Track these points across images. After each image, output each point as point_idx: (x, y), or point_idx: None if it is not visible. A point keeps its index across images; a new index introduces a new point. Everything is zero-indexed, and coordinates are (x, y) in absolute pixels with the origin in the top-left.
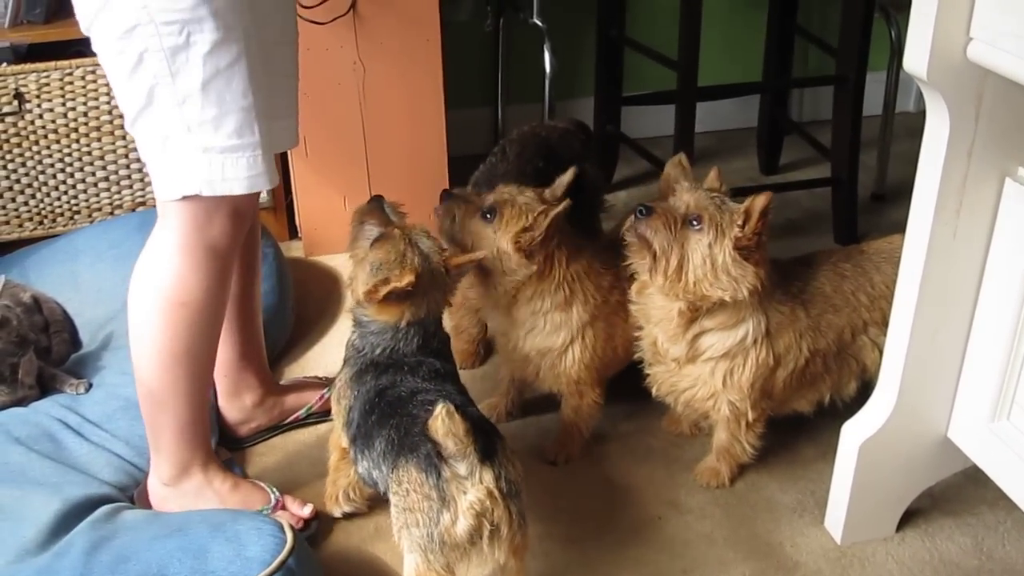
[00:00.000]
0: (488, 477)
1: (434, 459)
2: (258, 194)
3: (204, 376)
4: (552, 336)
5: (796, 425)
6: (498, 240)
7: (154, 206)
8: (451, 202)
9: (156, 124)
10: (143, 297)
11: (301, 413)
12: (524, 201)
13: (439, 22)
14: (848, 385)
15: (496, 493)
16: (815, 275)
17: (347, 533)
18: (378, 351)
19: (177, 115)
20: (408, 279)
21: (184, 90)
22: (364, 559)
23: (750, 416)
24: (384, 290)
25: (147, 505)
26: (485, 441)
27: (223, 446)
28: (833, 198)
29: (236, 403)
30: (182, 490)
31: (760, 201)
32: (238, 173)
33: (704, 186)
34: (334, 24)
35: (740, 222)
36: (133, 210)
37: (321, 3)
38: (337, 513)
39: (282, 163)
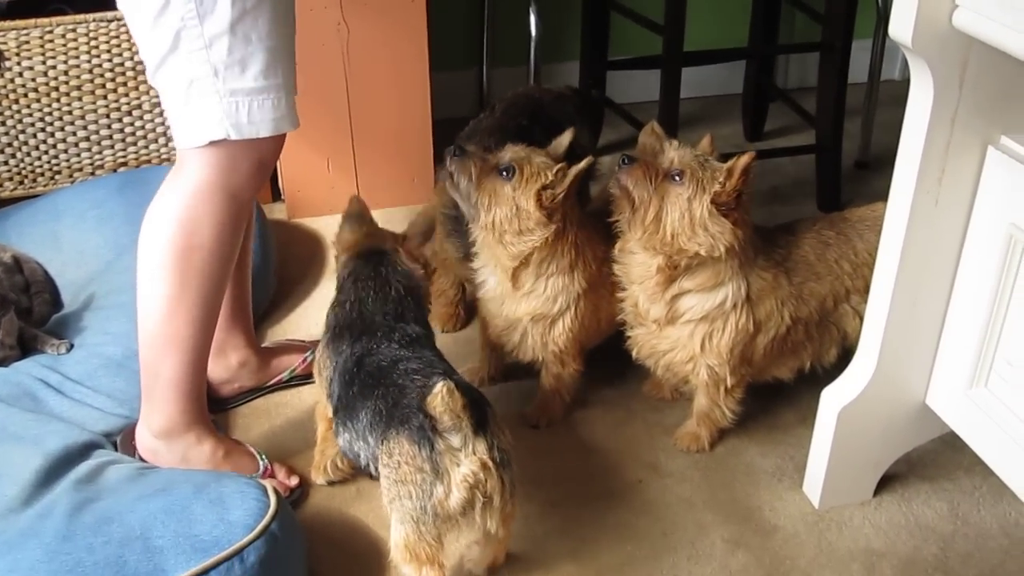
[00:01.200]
0: (481, 448)
1: (427, 431)
2: (282, 142)
3: (207, 327)
4: (549, 303)
5: (776, 391)
6: (518, 198)
7: (135, 167)
8: (465, 158)
9: (181, 69)
10: (156, 239)
11: (284, 375)
12: (541, 160)
13: None
14: (829, 352)
15: (489, 464)
16: (798, 242)
17: (329, 495)
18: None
19: (204, 58)
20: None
21: (212, 32)
22: (346, 521)
23: (729, 381)
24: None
25: (130, 451)
26: (476, 412)
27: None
28: (817, 165)
29: (222, 362)
30: (172, 446)
31: (744, 159)
32: (264, 116)
33: (696, 151)
34: None
35: (721, 179)
36: (115, 170)
37: None
38: (321, 481)
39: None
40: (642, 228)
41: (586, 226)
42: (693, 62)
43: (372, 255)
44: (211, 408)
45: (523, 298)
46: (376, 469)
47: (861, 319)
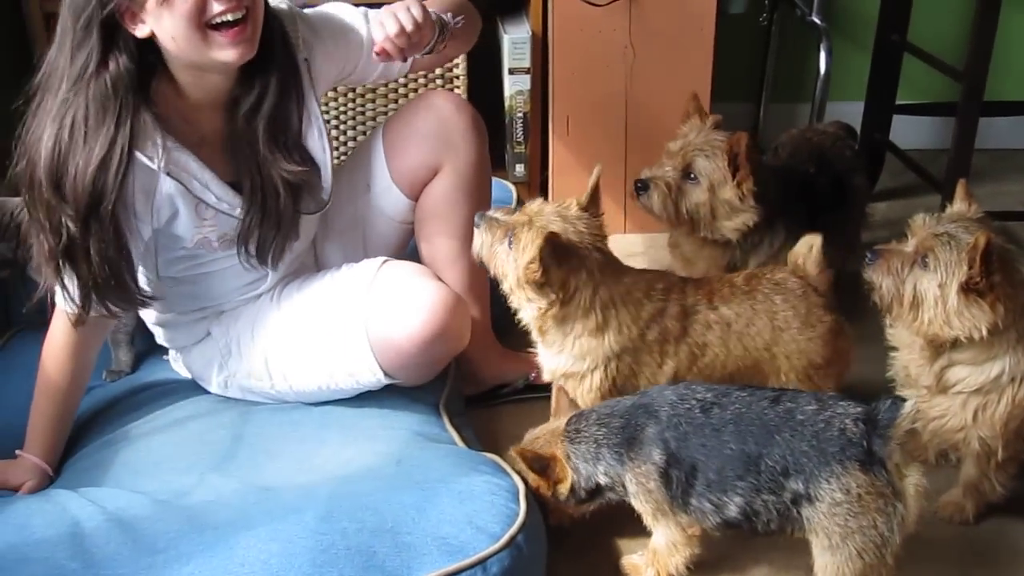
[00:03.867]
0: (901, 455)
1: (875, 456)
2: None
3: None
4: (578, 362)
5: None
6: (517, 268)
7: None
8: (485, 223)
9: None
10: None
11: (519, 383)
12: (538, 227)
13: (715, 12)
14: None
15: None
16: None
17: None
18: None
19: None
20: None
21: None
22: (583, 533)
23: (1001, 455)
24: None
25: None
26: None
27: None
28: None
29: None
30: None
31: (979, 242)
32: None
33: (953, 208)
34: (610, 8)
35: (966, 264)
36: None
37: None
38: None
39: (541, 138)
40: (901, 320)
41: (623, 286)
42: (994, 112)
43: None
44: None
45: (554, 356)
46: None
47: None
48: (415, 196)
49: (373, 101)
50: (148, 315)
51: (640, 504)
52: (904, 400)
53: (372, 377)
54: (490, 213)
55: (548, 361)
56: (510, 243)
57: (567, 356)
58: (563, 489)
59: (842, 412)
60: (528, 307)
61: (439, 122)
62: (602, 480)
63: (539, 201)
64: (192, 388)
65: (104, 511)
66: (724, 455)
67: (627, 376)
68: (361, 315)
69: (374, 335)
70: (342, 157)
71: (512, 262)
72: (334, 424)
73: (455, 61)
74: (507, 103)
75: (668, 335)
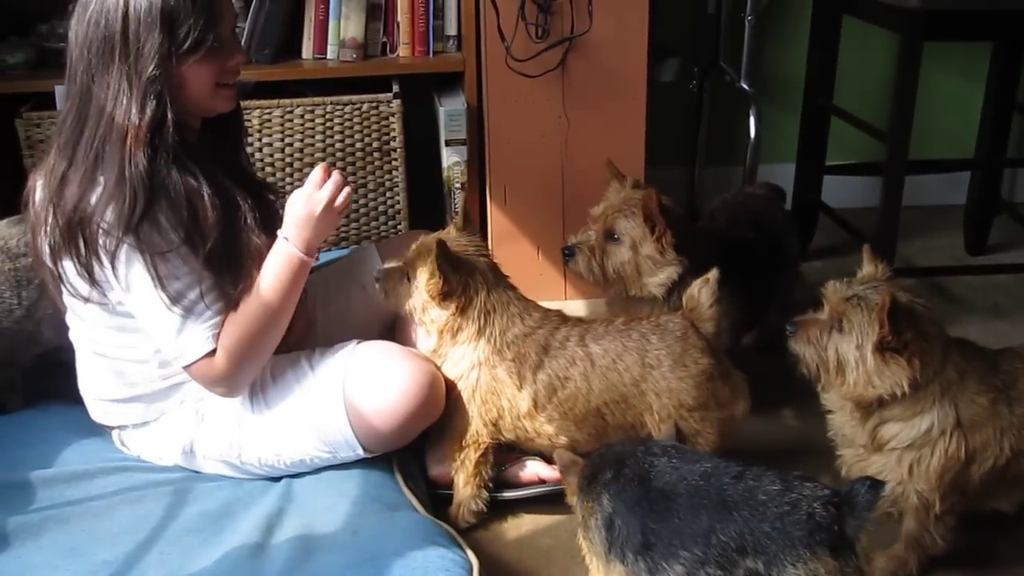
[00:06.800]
0: (867, 537)
1: (845, 541)
2: None
3: None
4: (459, 365)
5: (996, 522)
6: (416, 299)
7: (355, 243)
8: (382, 278)
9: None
10: None
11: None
12: (427, 244)
13: (646, 80)
14: None
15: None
16: None
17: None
18: None
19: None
20: None
21: None
22: None
23: (939, 507)
24: None
25: None
26: None
27: None
28: None
29: None
30: None
31: (885, 302)
32: None
33: (863, 271)
34: (543, 78)
35: (877, 324)
36: (336, 245)
37: (532, 58)
38: None
39: (480, 209)
40: (831, 385)
41: (507, 296)
42: (918, 170)
43: None
44: None
45: (447, 367)
46: None
47: None
48: None
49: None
50: (126, 389)
51: (580, 539)
52: (882, 483)
53: (351, 452)
54: (381, 267)
55: (446, 371)
56: (408, 279)
57: (452, 363)
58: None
59: (809, 495)
60: (435, 324)
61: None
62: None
63: (419, 239)
64: (138, 466)
65: None
66: (672, 524)
67: (488, 391)
68: (340, 394)
69: (353, 413)
70: None
71: (416, 290)
72: (294, 491)
73: (392, 134)
74: (445, 174)
75: (524, 360)
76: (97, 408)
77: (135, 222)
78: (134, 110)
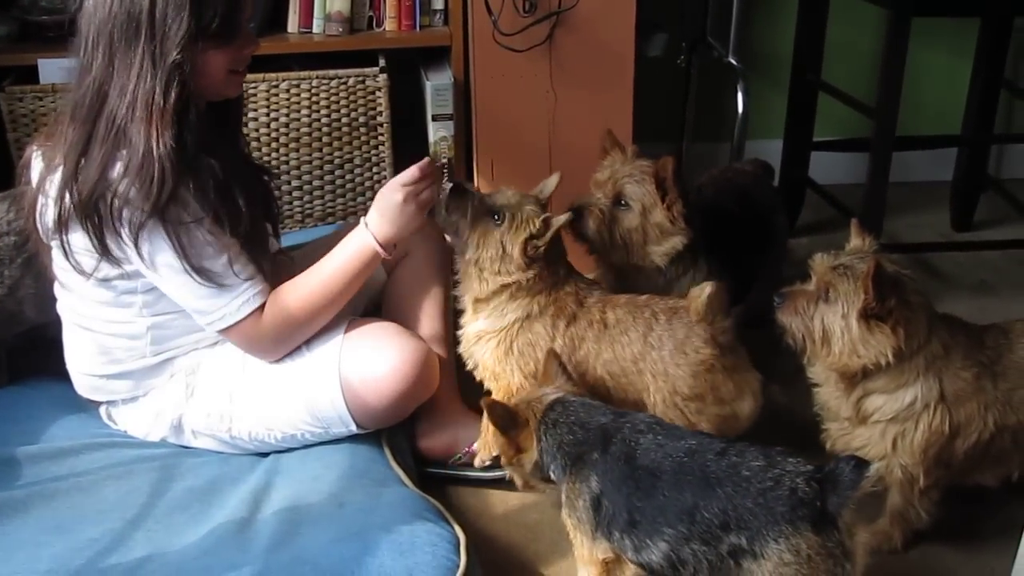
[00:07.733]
0: (851, 514)
1: (827, 517)
2: None
3: None
4: (496, 321)
5: (979, 497)
6: (506, 243)
7: (342, 217)
8: (464, 197)
9: None
10: None
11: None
12: (530, 208)
13: (634, 55)
14: None
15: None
16: (1012, 346)
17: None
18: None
19: None
20: None
21: None
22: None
23: (923, 482)
24: None
25: None
26: None
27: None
28: None
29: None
30: None
31: (869, 268)
32: None
33: (850, 244)
34: (531, 52)
35: (863, 291)
36: (323, 220)
37: (519, 32)
38: None
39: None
40: (816, 356)
41: (573, 282)
42: (905, 146)
43: None
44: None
45: (477, 321)
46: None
47: None
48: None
49: (297, 150)
50: (113, 366)
51: (565, 517)
52: (867, 463)
53: (344, 428)
54: (468, 186)
55: (471, 326)
56: (498, 219)
57: (498, 315)
58: (527, 460)
59: (792, 470)
60: (493, 280)
61: None
62: (551, 476)
63: (511, 191)
64: (125, 442)
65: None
66: (656, 501)
67: (525, 342)
68: (335, 369)
69: (347, 388)
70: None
71: (500, 237)
72: (281, 465)
73: (379, 109)
74: (432, 148)
75: (562, 312)
76: (84, 383)
77: (163, 201)
78: (158, 91)
